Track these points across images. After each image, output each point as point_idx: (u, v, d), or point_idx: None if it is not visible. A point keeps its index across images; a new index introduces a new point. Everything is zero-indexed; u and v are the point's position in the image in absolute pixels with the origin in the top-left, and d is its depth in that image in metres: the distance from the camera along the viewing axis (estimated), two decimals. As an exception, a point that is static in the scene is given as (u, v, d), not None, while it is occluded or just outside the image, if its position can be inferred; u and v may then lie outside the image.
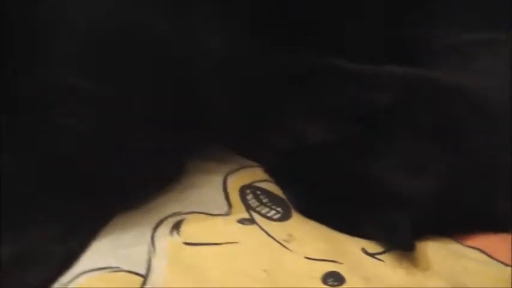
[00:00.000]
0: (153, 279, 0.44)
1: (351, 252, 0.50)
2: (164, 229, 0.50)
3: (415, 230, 0.50)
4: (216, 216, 0.52)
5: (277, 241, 0.49)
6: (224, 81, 0.53)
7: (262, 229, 0.50)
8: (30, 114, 0.44)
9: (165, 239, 0.48)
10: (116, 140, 0.48)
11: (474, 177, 0.54)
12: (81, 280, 0.44)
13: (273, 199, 0.55)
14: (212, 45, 0.53)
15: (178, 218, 0.51)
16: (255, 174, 0.58)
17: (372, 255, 0.50)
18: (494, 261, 0.51)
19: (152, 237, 0.49)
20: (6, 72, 0.43)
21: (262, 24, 0.56)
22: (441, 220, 0.53)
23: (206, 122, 0.54)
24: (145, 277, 0.45)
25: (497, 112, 0.56)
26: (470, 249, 0.52)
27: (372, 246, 0.51)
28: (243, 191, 0.56)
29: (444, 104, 0.56)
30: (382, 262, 0.49)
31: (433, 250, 0.51)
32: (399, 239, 0.50)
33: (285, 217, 0.53)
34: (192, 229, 0.50)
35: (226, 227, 0.50)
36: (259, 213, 0.53)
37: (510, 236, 0.53)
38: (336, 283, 0.46)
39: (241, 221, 0.51)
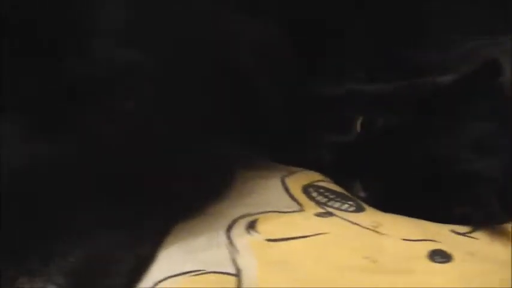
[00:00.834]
0: (247, 277, 0.39)
1: (443, 233, 0.46)
2: (239, 230, 0.44)
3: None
4: (290, 213, 0.47)
5: (366, 228, 0.45)
6: (273, 73, 0.50)
7: (345, 219, 0.46)
8: (89, 101, 0.40)
9: (244, 238, 0.43)
10: (175, 130, 0.44)
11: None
12: (166, 285, 0.38)
13: (340, 195, 0.51)
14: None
15: (250, 218, 0.46)
16: (310, 176, 0.53)
17: (463, 234, 0.47)
18: None
19: (229, 238, 0.43)
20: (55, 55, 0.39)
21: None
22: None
23: (257, 120, 0.51)
24: (237, 275, 0.39)
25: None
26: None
27: (458, 228, 0.48)
28: (306, 190, 0.51)
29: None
30: (476, 239, 0.46)
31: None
32: (492, 213, 0.47)
33: (359, 210, 0.49)
34: (270, 226, 0.44)
35: (307, 221, 0.45)
36: (332, 207, 0.48)
37: None
38: (444, 259, 0.42)
39: (320, 215, 0.47)
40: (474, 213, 0.48)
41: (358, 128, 0.52)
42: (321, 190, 0.52)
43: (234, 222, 0.45)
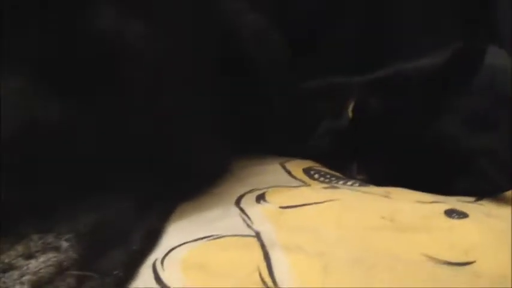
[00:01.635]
0: (267, 238, 0.37)
1: (452, 200, 0.45)
2: (248, 202, 0.42)
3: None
4: (297, 187, 0.46)
5: (378, 195, 0.44)
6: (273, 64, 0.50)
7: (354, 190, 0.45)
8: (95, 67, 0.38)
9: (255, 208, 0.41)
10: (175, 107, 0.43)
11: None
12: (181, 251, 0.36)
13: (340, 177, 0.50)
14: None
15: (257, 192, 0.44)
16: (308, 162, 0.53)
17: (469, 202, 0.46)
18: None
19: (240, 209, 0.42)
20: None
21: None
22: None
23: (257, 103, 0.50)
24: (257, 236, 0.37)
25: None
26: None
27: (463, 198, 0.47)
28: (307, 172, 0.50)
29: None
30: (483, 205, 0.46)
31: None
32: (494, 183, 0.47)
33: (365, 185, 0.48)
34: (280, 197, 0.43)
35: (316, 192, 0.44)
36: (336, 185, 0.48)
37: None
38: (461, 216, 0.41)
39: (327, 188, 0.45)
40: (476, 186, 0.48)
41: (350, 113, 0.52)
42: (322, 172, 0.51)
43: (242, 196, 0.44)
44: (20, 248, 0.30)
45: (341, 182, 0.48)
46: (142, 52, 0.40)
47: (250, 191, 0.44)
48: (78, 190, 0.35)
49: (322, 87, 0.55)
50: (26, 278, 0.29)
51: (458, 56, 0.54)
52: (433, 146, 0.50)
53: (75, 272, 0.31)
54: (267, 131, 0.52)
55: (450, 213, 0.41)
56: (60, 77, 0.37)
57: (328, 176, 0.50)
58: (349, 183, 0.48)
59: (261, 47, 0.49)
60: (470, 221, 0.40)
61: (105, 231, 0.35)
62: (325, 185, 0.47)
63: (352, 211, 0.41)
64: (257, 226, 0.39)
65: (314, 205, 0.41)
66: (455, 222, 0.40)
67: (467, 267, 0.35)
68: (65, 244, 0.32)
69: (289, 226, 0.39)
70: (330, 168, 0.53)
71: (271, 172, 0.49)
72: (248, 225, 0.39)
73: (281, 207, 0.41)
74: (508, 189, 0.47)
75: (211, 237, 0.37)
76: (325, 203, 0.41)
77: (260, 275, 0.33)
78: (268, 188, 0.45)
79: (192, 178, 0.45)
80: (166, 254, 0.36)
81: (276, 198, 0.43)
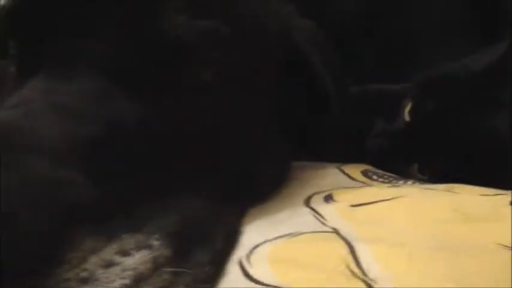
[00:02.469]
0: (346, 233, 0.38)
1: None
2: (318, 202, 0.44)
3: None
4: (361, 187, 0.47)
5: (442, 190, 0.45)
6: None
7: (417, 187, 0.46)
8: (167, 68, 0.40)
9: (326, 207, 0.42)
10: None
11: None
12: (267, 248, 0.37)
13: (398, 177, 0.51)
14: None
15: (323, 194, 0.45)
16: (363, 165, 0.54)
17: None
18: None
19: (311, 209, 0.43)
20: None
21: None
22: None
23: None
24: (336, 232, 0.38)
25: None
26: None
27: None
28: (366, 174, 0.51)
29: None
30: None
31: None
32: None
33: (424, 184, 0.49)
34: (348, 196, 0.44)
35: (382, 190, 0.45)
36: (397, 184, 0.49)
37: None
38: (528, 206, 0.42)
39: (391, 187, 0.47)
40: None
41: (406, 115, 0.54)
42: (379, 174, 0.52)
43: (310, 197, 0.45)
44: (115, 246, 0.31)
45: (401, 182, 0.49)
46: (211, 54, 0.41)
47: (316, 193, 0.46)
48: (159, 192, 0.37)
49: (374, 91, 0.56)
50: (127, 273, 0.30)
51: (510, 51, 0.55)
52: (490, 141, 0.51)
53: (170, 269, 0.32)
54: (323, 133, 0.53)
55: (517, 204, 0.42)
56: (136, 79, 0.39)
57: (386, 177, 0.51)
58: (409, 182, 0.49)
59: (315, 49, 0.50)
60: (541, 210, 0.41)
61: (189, 230, 0.36)
62: (388, 185, 0.48)
63: (422, 205, 0.42)
64: (332, 223, 0.40)
65: (384, 202, 0.42)
66: (526, 211, 0.41)
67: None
68: (156, 242, 0.33)
69: (364, 222, 0.40)
70: (385, 169, 0.54)
71: (331, 175, 0.51)
72: (323, 223, 0.40)
73: (352, 206, 0.42)
74: None
75: (292, 235, 0.38)
76: (394, 200, 0.42)
77: (348, 266, 0.34)
78: (332, 189, 0.46)
79: (259, 182, 0.46)
80: (251, 252, 0.37)
81: (344, 198, 0.44)
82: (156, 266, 0.32)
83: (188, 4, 0.41)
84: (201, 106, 0.41)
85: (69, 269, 0.29)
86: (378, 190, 0.45)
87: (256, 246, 0.38)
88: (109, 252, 0.30)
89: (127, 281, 0.30)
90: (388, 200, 0.43)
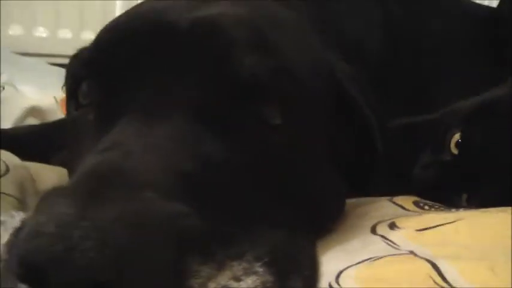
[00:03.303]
0: (423, 254, 0.40)
1: None
2: (384, 230, 0.46)
3: None
4: (419, 215, 0.49)
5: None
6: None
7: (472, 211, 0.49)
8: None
9: (394, 233, 0.45)
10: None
11: None
12: (352, 271, 0.39)
13: (449, 207, 0.54)
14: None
15: (386, 222, 0.47)
16: (412, 197, 0.57)
17: None
18: None
19: (381, 236, 0.45)
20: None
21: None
22: None
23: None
24: (413, 253, 0.41)
25: None
26: None
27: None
28: (417, 205, 0.54)
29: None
30: None
31: None
32: None
33: (477, 210, 0.52)
34: (411, 223, 0.46)
35: (441, 215, 0.48)
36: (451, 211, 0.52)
37: None
38: None
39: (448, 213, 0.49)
40: None
41: (453, 145, 0.56)
42: (430, 204, 0.55)
43: (374, 226, 0.47)
44: (228, 273, 0.34)
45: (453, 210, 0.52)
46: (282, 92, 0.45)
47: (379, 222, 0.48)
48: (248, 223, 0.39)
49: (419, 123, 0.59)
50: None
51: None
52: None
53: (278, 292, 0.34)
54: (370, 170, 0.56)
55: None
56: (217, 119, 0.42)
57: (437, 207, 0.54)
58: (461, 210, 0.52)
59: (357, 88, 0.53)
60: None
61: (282, 259, 0.38)
62: (443, 212, 0.51)
63: (486, 223, 0.44)
64: (406, 247, 0.42)
65: (448, 224, 0.45)
66: None
67: None
68: (259, 269, 0.35)
69: (435, 243, 0.42)
70: (433, 201, 0.57)
71: (385, 207, 0.53)
72: (396, 248, 0.42)
73: (417, 230, 0.45)
74: None
75: (372, 259, 0.41)
76: (457, 221, 0.45)
77: (434, 280, 0.36)
78: (393, 218, 0.49)
79: (323, 214, 0.49)
80: (338, 276, 0.39)
81: (407, 225, 0.46)
82: None
83: (255, 47, 0.44)
84: (273, 144, 0.44)
85: None
86: (437, 215, 0.48)
87: (341, 271, 0.40)
88: (224, 279, 0.33)
89: None
90: (451, 222, 0.45)
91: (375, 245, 0.44)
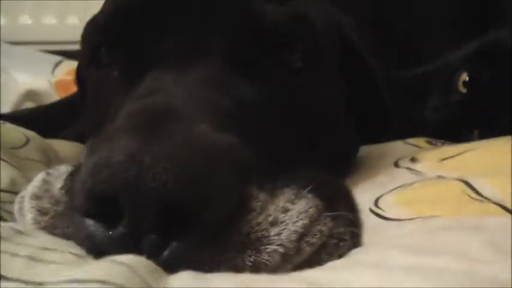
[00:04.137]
0: (452, 177, 0.42)
1: None
2: (405, 163, 0.48)
3: None
4: (436, 148, 0.52)
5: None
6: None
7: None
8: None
9: (417, 164, 0.47)
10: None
11: None
12: (387, 197, 0.41)
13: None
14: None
15: (407, 157, 0.50)
16: (423, 138, 0.59)
17: None
18: None
19: (406, 168, 0.47)
20: None
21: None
22: None
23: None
24: (441, 177, 0.43)
25: None
26: None
27: None
28: (430, 143, 0.56)
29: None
30: None
31: None
32: None
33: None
34: (431, 155, 0.49)
35: (459, 146, 0.50)
36: (464, 144, 0.54)
37: None
38: None
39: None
40: None
41: (461, 85, 0.59)
42: (442, 141, 0.57)
43: (397, 162, 0.50)
44: (282, 197, 0.35)
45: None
46: (300, 36, 0.47)
47: (400, 159, 0.50)
48: (288, 159, 0.41)
49: (429, 69, 0.61)
50: (303, 215, 0.34)
51: None
52: None
53: (329, 213, 0.36)
54: (378, 118, 0.58)
55: None
56: (246, 65, 0.44)
57: (448, 143, 0.56)
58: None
59: (362, 39, 0.56)
60: None
61: (324, 189, 0.40)
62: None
63: (504, 148, 0.46)
64: (432, 174, 0.44)
65: (467, 152, 0.47)
66: None
67: None
68: (308, 195, 0.37)
69: (460, 168, 0.44)
70: (444, 139, 0.59)
71: (400, 148, 0.55)
72: (423, 175, 0.45)
73: (439, 161, 0.47)
74: None
75: (403, 186, 0.43)
76: (475, 150, 0.47)
77: (469, 196, 0.38)
78: (411, 154, 0.51)
79: (345, 157, 0.51)
80: (376, 202, 0.41)
81: (428, 157, 0.48)
82: (319, 211, 0.36)
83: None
84: (296, 87, 0.46)
85: (257, 215, 0.33)
86: (455, 147, 0.50)
87: (378, 198, 0.42)
88: (281, 202, 0.34)
89: (306, 221, 0.34)
90: (469, 150, 0.48)
91: (402, 176, 0.46)
